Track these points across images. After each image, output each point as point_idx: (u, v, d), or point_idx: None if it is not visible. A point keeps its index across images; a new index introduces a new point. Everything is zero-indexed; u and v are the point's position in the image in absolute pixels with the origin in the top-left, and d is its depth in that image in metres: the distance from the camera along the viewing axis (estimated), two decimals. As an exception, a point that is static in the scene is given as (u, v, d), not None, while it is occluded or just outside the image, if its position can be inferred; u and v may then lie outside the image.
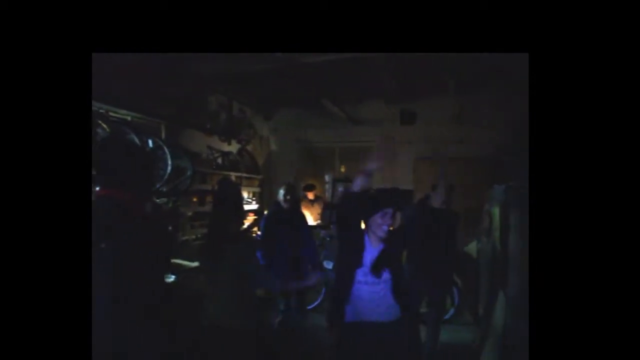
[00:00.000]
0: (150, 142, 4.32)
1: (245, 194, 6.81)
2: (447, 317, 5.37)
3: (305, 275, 4.05)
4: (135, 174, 1.87)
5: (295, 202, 4.48)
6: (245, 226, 4.85)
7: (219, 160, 6.65)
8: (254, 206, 7.04)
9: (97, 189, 1.83)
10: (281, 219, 4.29)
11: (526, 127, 1.54)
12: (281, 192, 4.34)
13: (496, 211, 3.92)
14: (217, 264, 2.59)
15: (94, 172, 1.81)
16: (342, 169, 8.09)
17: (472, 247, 5.76)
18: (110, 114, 4.18)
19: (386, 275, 2.57)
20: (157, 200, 4.80)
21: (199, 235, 5.45)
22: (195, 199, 5.66)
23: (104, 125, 3.77)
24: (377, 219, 2.59)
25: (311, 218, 6.60)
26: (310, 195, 6.69)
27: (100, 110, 3.96)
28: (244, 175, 6.88)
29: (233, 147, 7.02)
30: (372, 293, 2.57)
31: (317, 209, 6.85)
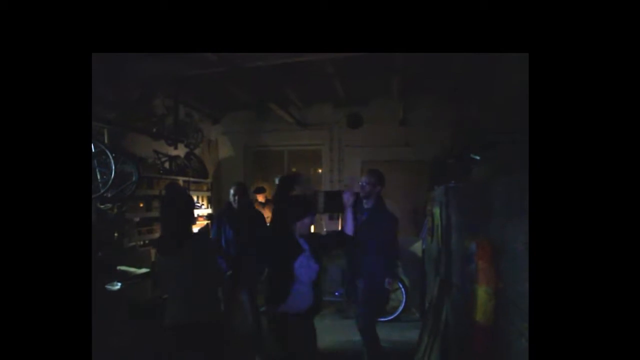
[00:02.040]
0: (92, 147, 4.20)
1: (194, 199, 6.73)
2: (396, 314, 5.56)
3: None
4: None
5: (246, 202, 4.49)
6: (196, 230, 4.82)
7: (166, 165, 6.53)
8: (203, 211, 6.96)
9: None
10: (232, 219, 4.29)
11: (478, 127, 1.56)
12: (231, 192, 4.36)
13: (437, 211, 4.10)
14: (176, 258, 2.64)
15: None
16: (293, 171, 8.15)
17: (417, 246, 5.97)
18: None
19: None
20: (102, 207, 4.69)
21: (146, 241, 5.35)
22: (141, 205, 5.55)
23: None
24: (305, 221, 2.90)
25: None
26: (261, 198, 6.70)
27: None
28: (192, 179, 6.79)
29: (180, 152, 6.92)
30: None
31: (267, 212, 6.87)
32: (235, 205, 4.34)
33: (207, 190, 7.36)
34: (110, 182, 4.21)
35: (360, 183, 3.80)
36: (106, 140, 4.85)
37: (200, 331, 2.62)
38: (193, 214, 2.94)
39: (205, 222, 6.66)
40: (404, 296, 5.69)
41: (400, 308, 5.63)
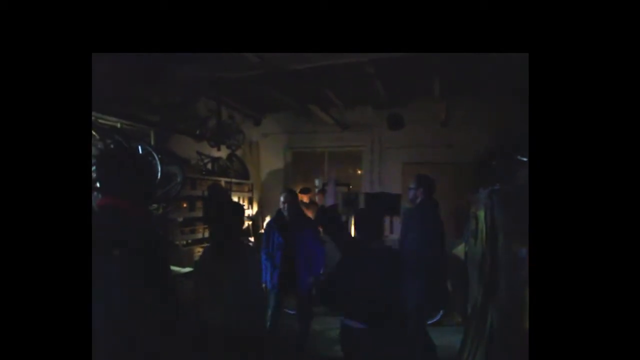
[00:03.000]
0: (139, 149, 4.33)
1: (235, 200, 6.83)
2: (437, 318, 5.46)
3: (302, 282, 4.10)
4: (133, 181, 1.88)
5: (295, 208, 4.50)
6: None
7: (209, 166, 6.65)
8: (245, 211, 7.05)
9: (97, 198, 1.84)
10: (282, 226, 4.31)
11: (524, 128, 1.53)
12: (281, 199, 4.37)
13: (482, 214, 3.98)
14: (221, 265, 2.68)
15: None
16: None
17: (460, 249, 5.83)
18: (100, 120, 4.19)
19: None
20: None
21: (189, 241, 5.46)
22: (185, 205, 5.67)
23: (94, 132, 3.78)
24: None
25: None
26: (305, 199, 6.72)
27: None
28: (234, 180, 6.89)
29: (223, 153, 7.03)
30: None
31: (312, 212, 6.87)
32: (285, 213, 4.34)
33: (249, 191, 7.44)
34: (157, 182, 4.32)
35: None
36: (152, 142, 4.98)
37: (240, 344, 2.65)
38: (243, 221, 2.98)
39: (247, 223, 6.74)
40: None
41: (442, 312, 5.52)
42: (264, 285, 4.11)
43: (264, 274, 4.12)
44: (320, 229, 5.07)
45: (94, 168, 1.97)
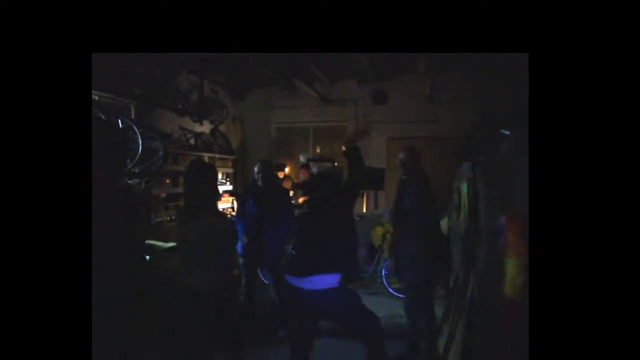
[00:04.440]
0: (119, 122, 4.25)
1: (219, 175, 6.80)
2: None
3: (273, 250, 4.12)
4: (105, 151, 1.85)
5: (272, 179, 4.50)
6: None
7: (192, 141, 6.58)
8: (228, 187, 7.02)
9: None
10: (255, 195, 4.31)
11: (508, 103, 1.53)
12: (255, 169, 4.36)
13: (464, 187, 4.01)
14: (195, 225, 2.71)
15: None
16: (317, 149, 8.12)
17: (443, 223, 5.89)
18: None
19: None
20: (129, 182, 4.76)
21: (172, 217, 5.43)
22: (167, 181, 5.62)
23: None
24: None
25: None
26: (280, 175, 6.71)
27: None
28: (217, 156, 6.84)
29: (205, 128, 6.96)
30: None
31: (287, 185, 6.87)
32: (259, 183, 4.34)
33: (232, 167, 7.40)
34: (138, 157, 4.27)
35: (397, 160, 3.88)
36: (133, 116, 4.90)
37: (215, 301, 2.71)
38: (217, 186, 2.98)
39: (230, 199, 6.72)
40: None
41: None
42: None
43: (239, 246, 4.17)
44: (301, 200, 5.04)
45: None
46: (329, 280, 2.74)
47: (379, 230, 5.44)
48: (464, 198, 3.99)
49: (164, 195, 5.40)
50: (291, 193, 6.07)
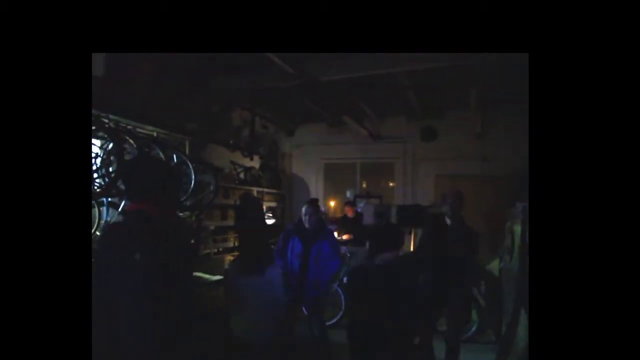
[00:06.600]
0: (174, 157, 4.41)
1: (264, 208, 6.85)
2: (469, 334, 5.29)
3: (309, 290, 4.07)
4: (162, 188, 1.91)
5: (318, 221, 4.41)
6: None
7: (242, 175, 6.72)
8: (273, 221, 7.07)
9: (127, 204, 1.88)
10: (302, 234, 4.25)
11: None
12: (303, 210, 4.30)
13: (518, 229, 3.88)
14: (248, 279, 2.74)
15: (122, 188, 1.86)
16: (364, 185, 8.10)
17: (494, 265, 5.66)
18: (137, 130, 4.29)
19: None
20: (181, 214, 4.89)
21: (220, 249, 5.51)
22: (217, 214, 5.73)
23: (131, 141, 3.87)
24: None
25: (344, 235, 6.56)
26: (350, 212, 6.64)
27: (128, 127, 4.07)
28: (266, 190, 6.94)
29: (255, 163, 7.10)
30: None
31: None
32: (307, 225, 4.26)
33: (279, 201, 7.48)
34: (190, 190, 4.39)
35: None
36: (187, 151, 5.07)
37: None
38: (265, 223, 3.03)
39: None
40: (477, 316, 5.41)
41: (473, 328, 5.35)
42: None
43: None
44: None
45: (111, 170, 2.00)
46: None
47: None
48: (518, 240, 3.84)
49: (212, 227, 5.49)
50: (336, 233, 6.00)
